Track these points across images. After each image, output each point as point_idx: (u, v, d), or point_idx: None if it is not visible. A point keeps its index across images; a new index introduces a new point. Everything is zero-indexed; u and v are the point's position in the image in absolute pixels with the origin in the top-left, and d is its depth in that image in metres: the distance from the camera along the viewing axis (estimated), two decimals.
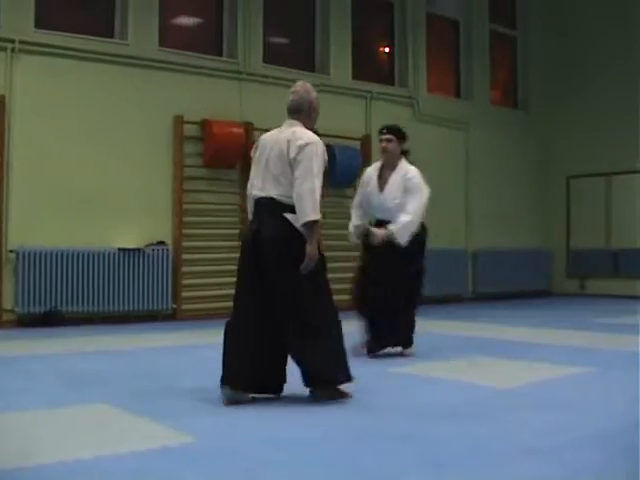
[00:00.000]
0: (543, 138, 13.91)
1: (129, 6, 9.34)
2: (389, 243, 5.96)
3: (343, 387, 4.44)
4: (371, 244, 6.07)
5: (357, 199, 6.49)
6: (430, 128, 12.07)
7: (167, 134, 9.52)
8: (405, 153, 6.31)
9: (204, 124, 9.70)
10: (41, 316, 8.47)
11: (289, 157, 4.33)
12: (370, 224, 6.32)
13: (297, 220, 4.26)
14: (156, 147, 9.45)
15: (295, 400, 4.39)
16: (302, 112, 4.56)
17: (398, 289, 6.07)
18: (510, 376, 5.37)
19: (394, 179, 6.17)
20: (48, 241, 8.60)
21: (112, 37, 9.40)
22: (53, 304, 8.54)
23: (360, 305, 6.21)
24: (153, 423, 3.82)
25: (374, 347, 6.15)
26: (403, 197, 6.07)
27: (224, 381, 4.33)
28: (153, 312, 9.26)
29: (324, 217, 4.65)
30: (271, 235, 4.31)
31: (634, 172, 12.71)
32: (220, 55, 10.31)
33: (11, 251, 8.39)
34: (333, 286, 4.55)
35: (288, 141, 4.37)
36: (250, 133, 9.76)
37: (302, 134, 4.41)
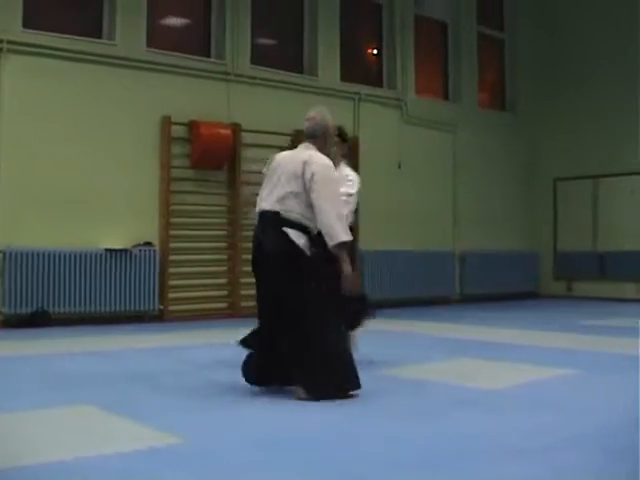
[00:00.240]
0: (531, 140, 13.96)
1: (117, 7, 9.31)
2: None
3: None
4: None
5: None
6: (418, 130, 12.10)
7: (154, 135, 9.49)
8: (345, 156, 6.23)
9: (192, 125, 9.67)
10: (28, 317, 8.43)
11: (304, 178, 4.51)
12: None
13: (329, 241, 4.45)
14: (143, 148, 9.42)
15: (282, 401, 4.39)
16: (317, 138, 4.77)
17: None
18: (497, 378, 5.38)
19: None
20: (35, 241, 8.56)
21: (100, 37, 9.37)
22: (40, 305, 8.50)
23: None
24: (140, 424, 3.80)
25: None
26: None
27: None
28: (140, 313, 9.23)
29: None
30: (272, 249, 4.53)
31: (621, 175, 12.78)
32: (208, 56, 10.28)
33: None
34: None
35: (304, 162, 4.56)
36: (238, 134, 9.69)
37: (318, 158, 4.61)
